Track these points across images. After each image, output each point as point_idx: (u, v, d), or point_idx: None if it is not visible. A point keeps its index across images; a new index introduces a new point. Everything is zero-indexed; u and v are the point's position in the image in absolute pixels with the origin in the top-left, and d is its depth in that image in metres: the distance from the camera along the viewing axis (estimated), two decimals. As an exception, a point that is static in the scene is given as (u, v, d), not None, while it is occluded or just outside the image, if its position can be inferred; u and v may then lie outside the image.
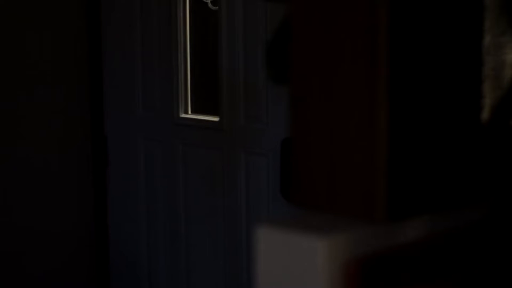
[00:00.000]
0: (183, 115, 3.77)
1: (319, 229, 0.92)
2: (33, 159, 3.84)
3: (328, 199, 0.97)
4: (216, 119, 3.63)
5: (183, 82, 3.72)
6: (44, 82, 3.83)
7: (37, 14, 3.77)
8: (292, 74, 1.00)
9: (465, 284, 1.04)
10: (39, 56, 3.80)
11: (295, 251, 0.91)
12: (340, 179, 0.95)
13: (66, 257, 3.98)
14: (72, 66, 3.90)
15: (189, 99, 3.75)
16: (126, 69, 3.95)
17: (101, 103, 4.02)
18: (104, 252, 4.09)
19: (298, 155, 1.00)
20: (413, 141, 0.95)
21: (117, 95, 4.01)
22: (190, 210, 3.77)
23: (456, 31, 0.99)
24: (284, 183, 3.07)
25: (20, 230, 3.85)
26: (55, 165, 3.90)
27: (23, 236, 3.85)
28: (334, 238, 0.90)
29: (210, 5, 3.32)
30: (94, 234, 4.06)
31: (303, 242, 0.91)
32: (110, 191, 4.09)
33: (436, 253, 1.00)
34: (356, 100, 0.93)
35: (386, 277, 0.94)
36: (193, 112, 3.76)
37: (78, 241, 4.01)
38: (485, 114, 1.05)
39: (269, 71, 1.08)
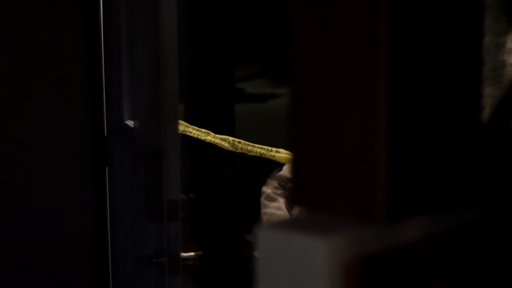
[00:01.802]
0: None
1: (319, 229, 0.92)
2: (33, 159, 3.85)
3: (328, 199, 0.97)
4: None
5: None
6: (44, 81, 3.83)
7: (38, 15, 3.77)
8: (292, 74, 1.00)
9: (465, 284, 1.04)
10: (39, 56, 3.80)
11: (295, 251, 0.91)
12: (340, 179, 0.95)
13: (66, 257, 3.99)
14: (72, 66, 3.91)
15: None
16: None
17: (101, 103, 4.02)
18: (104, 252, 4.09)
19: (298, 155, 1.00)
20: (413, 141, 0.95)
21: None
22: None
23: (456, 31, 0.99)
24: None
25: (19, 230, 3.85)
26: (55, 165, 3.90)
27: (23, 235, 3.85)
28: (334, 238, 0.90)
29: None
30: (94, 233, 4.06)
31: (303, 242, 0.91)
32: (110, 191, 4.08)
33: (436, 253, 1.00)
34: (356, 100, 0.93)
35: (386, 277, 0.94)
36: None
37: (78, 240, 4.01)
38: (485, 114, 1.05)
39: None
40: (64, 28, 3.88)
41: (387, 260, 0.94)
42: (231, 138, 3.33)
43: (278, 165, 3.15)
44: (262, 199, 2.76)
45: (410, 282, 0.97)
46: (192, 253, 2.31)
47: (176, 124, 2.31)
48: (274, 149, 3.23)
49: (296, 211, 2.74)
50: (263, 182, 3.11)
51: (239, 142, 3.31)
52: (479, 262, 1.06)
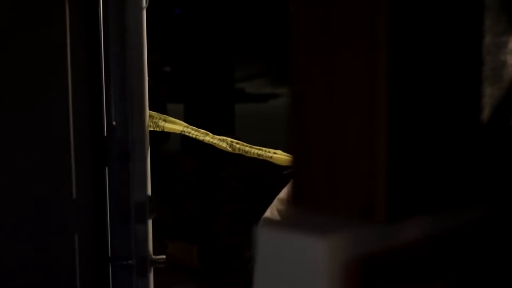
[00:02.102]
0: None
1: (319, 229, 0.92)
2: (33, 159, 3.84)
3: (328, 199, 0.97)
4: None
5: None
6: (44, 82, 3.83)
7: (38, 13, 3.77)
8: (292, 74, 1.00)
9: (465, 284, 1.04)
10: (38, 55, 3.80)
11: (295, 251, 0.91)
12: (340, 179, 0.95)
13: (66, 258, 3.98)
14: (72, 66, 3.90)
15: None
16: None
17: (101, 103, 4.01)
18: (104, 252, 4.08)
19: (298, 156, 1.00)
20: (413, 141, 0.95)
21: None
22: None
23: (456, 31, 0.99)
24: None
25: (18, 230, 3.85)
26: (55, 164, 3.90)
27: (22, 235, 3.85)
28: (334, 238, 0.90)
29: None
30: (94, 233, 4.06)
31: (303, 242, 0.91)
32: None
33: (436, 253, 1.00)
34: (356, 100, 0.93)
35: (386, 277, 0.94)
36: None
37: (78, 240, 4.01)
38: (485, 114, 1.05)
39: None
40: (64, 28, 3.87)
41: (387, 260, 0.94)
42: (229, 139, 3.33)
43: (278, 165, 3.15)
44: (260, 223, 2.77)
45: (410, 282, 0.97)
46: (164, 256, 2.30)
47: (143, 126, 2.26)
48: (272, 150, 3.23)
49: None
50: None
51: (237, 143, 3.31)
52: (479, 262, 1.06)
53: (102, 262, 4.07)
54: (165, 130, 3.30)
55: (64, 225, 3.98)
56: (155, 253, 3.23)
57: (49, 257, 3.94)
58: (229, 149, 3.28)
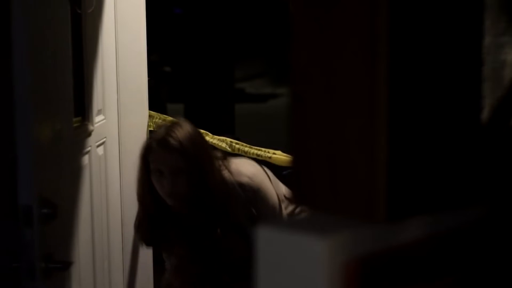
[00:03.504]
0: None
1: (320, 229, 0.92)
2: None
3: (328, 199, 0.97)
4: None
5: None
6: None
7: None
8: (292, 74, 1.00)
9: (465, 284, 1.04)
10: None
11: (295, 251, 0.91)
12: (340, 179, 0.95)
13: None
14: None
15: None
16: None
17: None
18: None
19: (299, 155, 1.00)
20: (413, 141, 0.95)
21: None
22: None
23: (456, 31, 0.99)
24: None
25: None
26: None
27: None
28: (334, 238, 0.90)
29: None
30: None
31: (303, 242, 0.91)
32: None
33: (436, 253, 1.00)
34: (356, 100, 0.93)
35: (386, 277, 0.94)
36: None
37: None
38: (485, 114, 1.05)
39: None
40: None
41: (387, 260, 0.94)
42: (229, 140, 3.33)
43: (277, 166, 3.16)
44: None
45: (410, 282, 0.97)
46: (61, 263, 2.31)
47: (29, 126, 2.22)
48: (271, 151, 3.23)
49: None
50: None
51: (236, 143, 3.31)
52: (479, 262, 1.06)
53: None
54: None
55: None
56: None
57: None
58: (229, 149, 3.28)
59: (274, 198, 2.67)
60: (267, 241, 0.94)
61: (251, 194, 2.64)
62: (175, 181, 2.54)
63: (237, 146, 3.32)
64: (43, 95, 2.35)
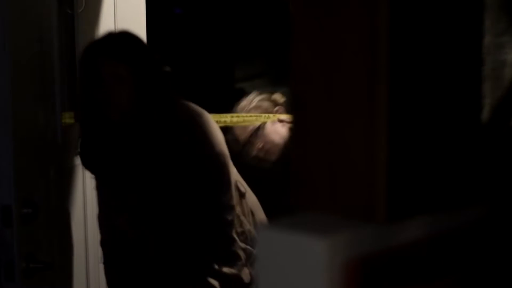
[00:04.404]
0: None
1: (320, 229, 0.92)
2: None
3: (328, 199, 0.97)
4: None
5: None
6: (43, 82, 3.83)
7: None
8: (292, 74, 1.00)
9: (465, 284, 1.04)
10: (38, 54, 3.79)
11: (295, 251, 0.91)
12: (340, 179, 0.95)
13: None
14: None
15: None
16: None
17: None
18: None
19: (298, 155, 1.00)
20: (413, 142, 0.95)
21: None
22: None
23: (456, 31, 0.99)
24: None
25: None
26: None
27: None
28: (334, 238, 0.90)
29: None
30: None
31: (303, 242, 0.91)
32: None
33: (436, 253, 1.00)
34: (356, 100, 0.93)
35: (386, 277, 0.94)
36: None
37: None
38: (485, 114, 1.05)
39: None
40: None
41: (387, 260, 0.94)
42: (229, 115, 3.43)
43: (275, 174, 3.17)
44: None
45: (410, 282, 0.97)
46: (44, 264, 2.28)
47: (9, 127, 2.19)
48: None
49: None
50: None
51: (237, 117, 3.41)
52: (479, 262, 1.06)
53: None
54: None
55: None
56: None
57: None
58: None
59: (221, 137, 2.54)
60: (268, 241, 0.94)
61: (194, 118, 2.49)
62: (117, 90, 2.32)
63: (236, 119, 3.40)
64: (24, 88, 2.31)
